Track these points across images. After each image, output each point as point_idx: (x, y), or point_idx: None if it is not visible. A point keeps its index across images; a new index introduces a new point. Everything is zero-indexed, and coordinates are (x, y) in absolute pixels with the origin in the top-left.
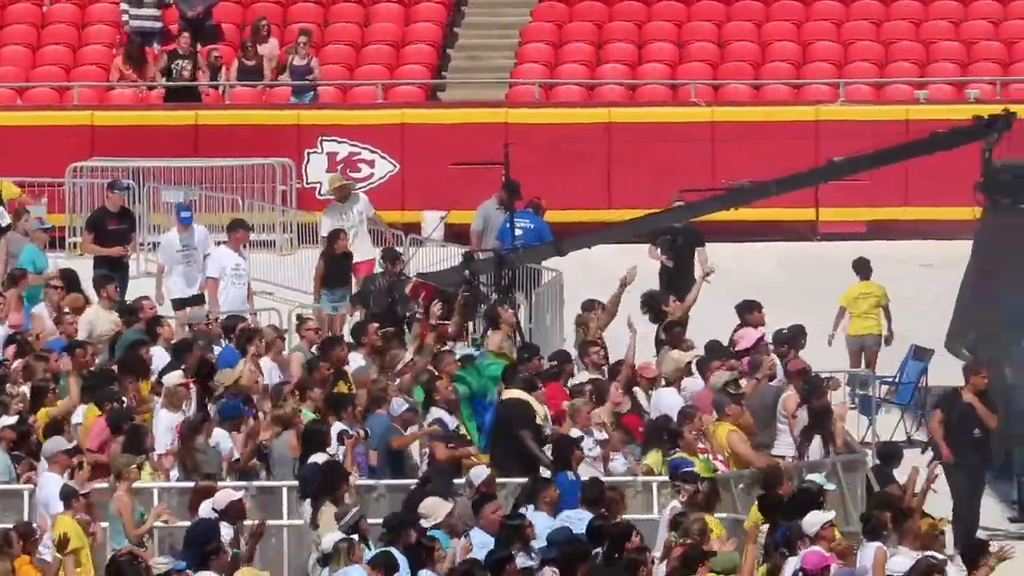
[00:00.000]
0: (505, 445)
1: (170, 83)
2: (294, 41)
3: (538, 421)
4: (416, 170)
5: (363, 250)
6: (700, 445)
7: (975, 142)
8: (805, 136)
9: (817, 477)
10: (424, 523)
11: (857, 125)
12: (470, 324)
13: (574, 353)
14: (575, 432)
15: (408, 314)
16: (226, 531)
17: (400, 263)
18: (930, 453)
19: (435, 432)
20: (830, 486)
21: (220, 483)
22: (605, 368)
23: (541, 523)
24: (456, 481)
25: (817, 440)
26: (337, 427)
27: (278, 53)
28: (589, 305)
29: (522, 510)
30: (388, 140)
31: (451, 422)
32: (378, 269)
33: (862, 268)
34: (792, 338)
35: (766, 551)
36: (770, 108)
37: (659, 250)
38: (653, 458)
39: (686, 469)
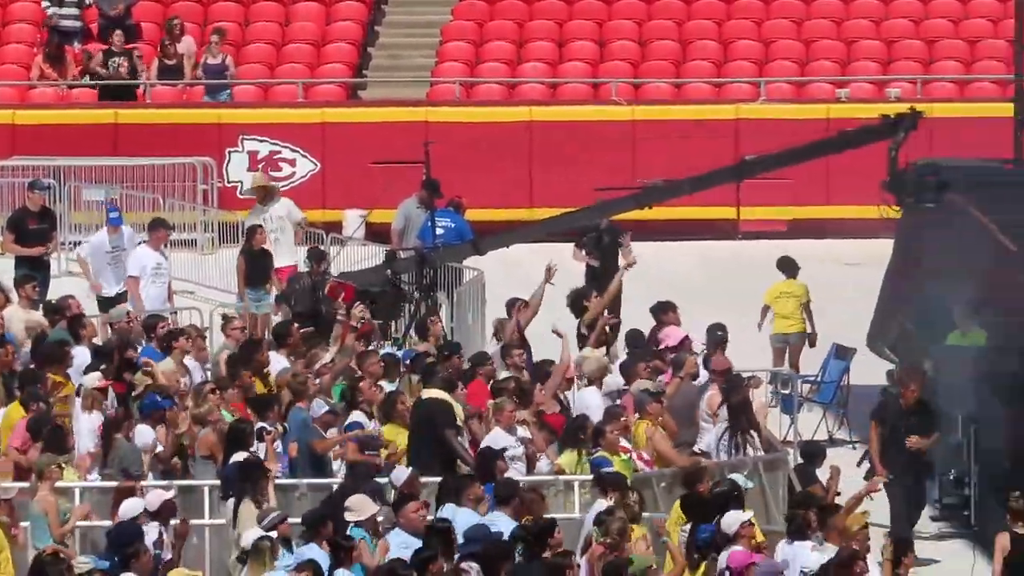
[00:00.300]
0: (426, 445)
1: (91, 83)
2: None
3: (458, 421)
4: (337, 169)
5: (283, 255)
6: (624, 444)
7: (882, 141)
8: (726, 135)
9: (738, 477)
10: (349, 517)
11: (778, 124)
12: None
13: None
14: (497, 432)
15: (331, 314)
16: (155, 531)
17: (326, 263)
18: (857, 455)
19: (355, 437)
20: (749, 484)
21: (142, 483)
22: (525, 371)
23: (464, 520)
24: (380, 481)
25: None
26: (259, 426)
27: (196, 52)
28: (513, 303)
29: (444, 511)
30: (309, 139)
31: (371, 425)
32: (304, 268)
33: (787, 266)
34: (722, 339)
35: (687, 550)
36: (691, 107)
37: (583, 251)
38: (567, 458)
39: (607, 470)
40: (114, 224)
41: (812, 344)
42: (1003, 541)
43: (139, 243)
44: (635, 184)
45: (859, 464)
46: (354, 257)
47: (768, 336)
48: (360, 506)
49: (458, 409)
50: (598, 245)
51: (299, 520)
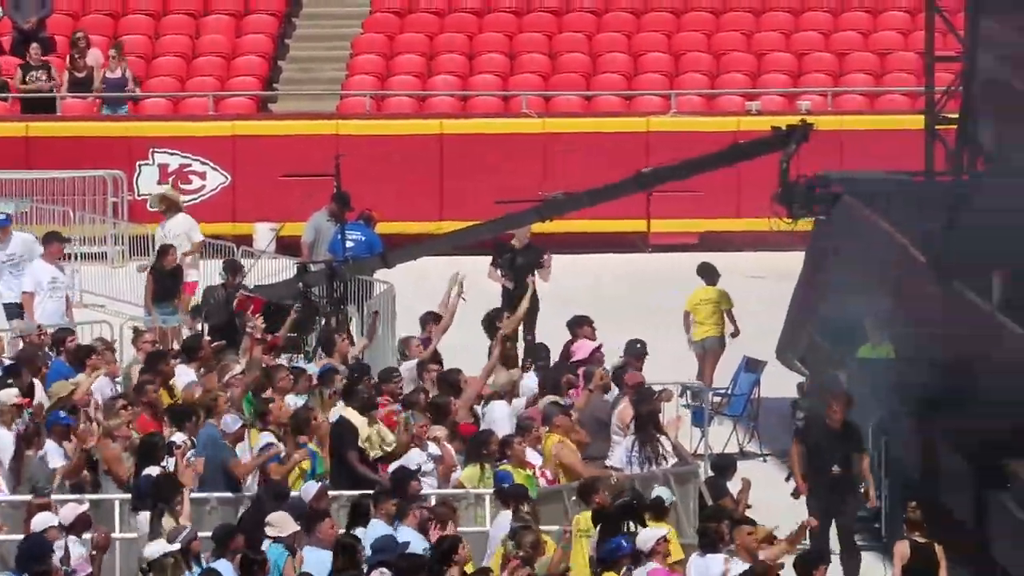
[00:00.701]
0: (337, 461)
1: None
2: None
3: (360, 442)
4: (248, 182)
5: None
6: (530, 460)
7: (774, 153)
8: (636, 147)
9: (663, 491)
10: (270, 532)
11: (688, 136)
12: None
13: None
14: (415, 454)
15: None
16: (72, 547)
17: (241, 275)
18: (768, 468)
19: (272, 455)
20: (673, 497)
21: (54, 496)
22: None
23: (374, 532)
24: (294, 493)
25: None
26: (179, 437)
27: (103, 65)
28: (426, 318)
29: (359, 530)
30: (220, 152)
31: (281, 444)
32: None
33: (706, 273)
34: (642, 352)
35: (592, 561)
36: (601, 119)
37: (499, 271)
38: (468, 472)
39: (510, 483)
40: (2, 225)
41: (735, 336)
42: (902, 549)
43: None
44: (537, 197)
45: (787, 479)
46: (266, 270)
47: (688, 342)
48: (281, 523)
49: (372, 431)
50: (512, 266)
51: (209, 535)
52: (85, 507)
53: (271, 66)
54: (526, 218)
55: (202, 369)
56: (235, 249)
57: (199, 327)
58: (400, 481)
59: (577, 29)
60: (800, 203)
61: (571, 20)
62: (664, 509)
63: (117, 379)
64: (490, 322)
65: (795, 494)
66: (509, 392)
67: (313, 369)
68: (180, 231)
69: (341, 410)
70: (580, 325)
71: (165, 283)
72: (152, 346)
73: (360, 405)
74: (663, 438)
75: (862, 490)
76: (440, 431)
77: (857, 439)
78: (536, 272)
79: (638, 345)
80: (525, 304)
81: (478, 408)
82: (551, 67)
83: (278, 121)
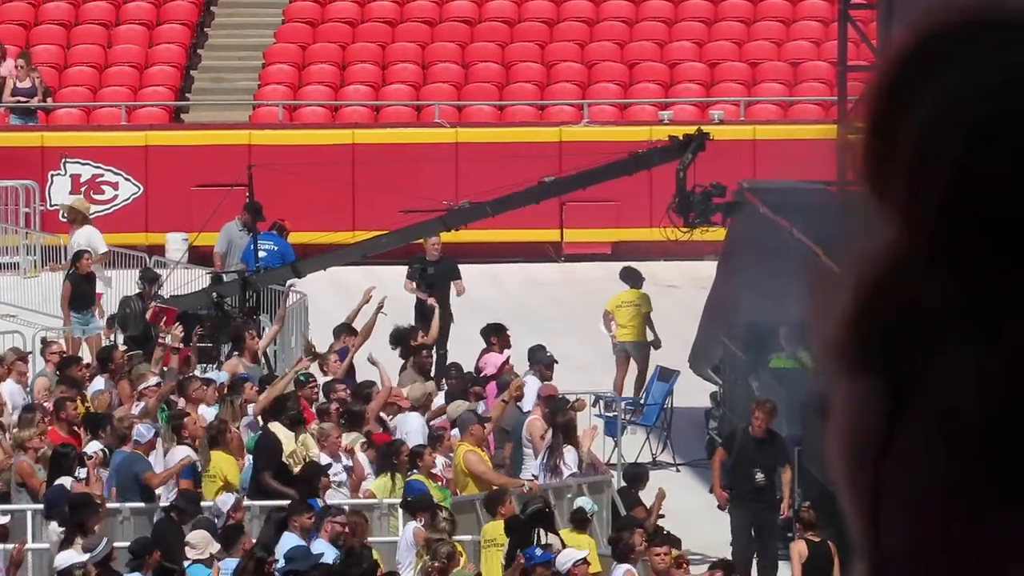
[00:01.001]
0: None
1: None
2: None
3: (285, 457)
4: (160, 192)
5: None
6: (437, 472)
7: (671, 161)
8: (549, 157)
9: (585, 501)
10: (190, 554)
11: (601, 145)
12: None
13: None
14: (324, 458)
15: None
16: None
17: (158, 285)
18: (681, 477)
19: (185, 465)
20: (592, 507)
21: None
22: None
23: (287, 543)
24: (205, 504)
25: (574, 454)
26: (94, 446)
27: (13, 75)
28: (341, 329)
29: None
30: (132, 162)
31: (196, 455)
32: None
33: (629, 276)
34: (551, 361)
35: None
36: (514, 129)
37: (413, 283)
38: (379, 483)
39: (419, 493)
40: None
41: (656, 347)
42: (799, 548)
43: None
44: (441, 206)
45: (711, 491)
46: (179, 280)
47: (612, 344)
48: (201, 543)
49: (298, 445)
50: (425, 277)
51: (124, 545)
52: (7, 519)
53: (183, 76)
54: (432, 228)
55: (116, 379)
56: (147, 259)
57: (113, 337)
58: (309, 478)
59: (489, 39)
60: (697, 212)
61: (483, 30)
62: (586, 520)
63: (28, 389)
64: (398, 337)
65: (721, 506)
66: (423, 404)
67: (223, 377)
68: (83, 242)
69: (271, 424)
70: (495, 334)
71: (82, 288)
72: (60, 358)
73: (290, 421)
74: (569, 448)
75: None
76: (351, 440)
77: (781, 448)
78: (451, 284)
79: (548, 354)
80: (438, 320)
81: (390, 420)
82: (463, 77)
83: (190, 131)
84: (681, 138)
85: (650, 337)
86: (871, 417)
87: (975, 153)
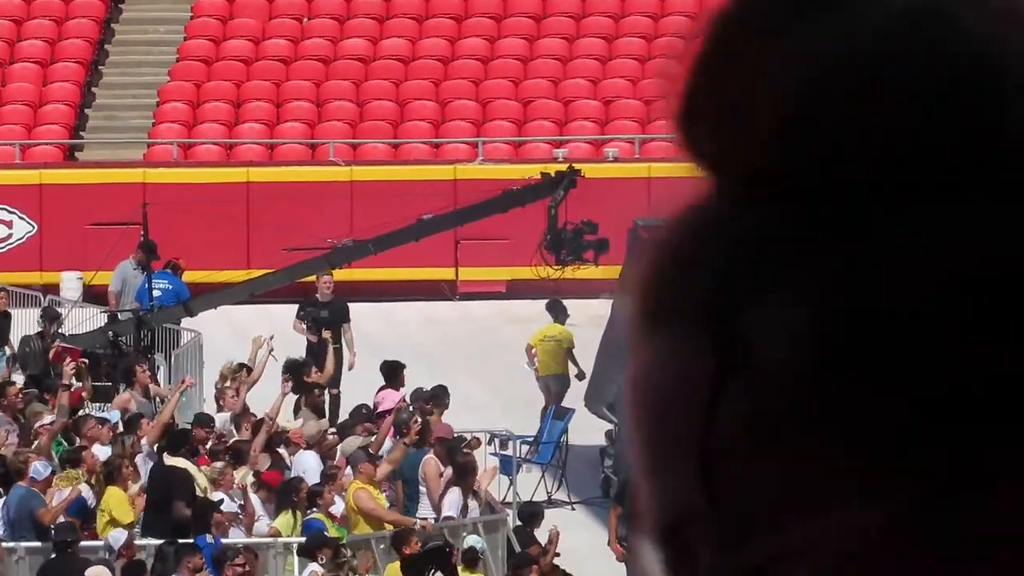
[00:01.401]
0: (158, 510)
1: None
2: None
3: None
4: (55, 231)
5: None
6: (334, 512)
7: (544, 199)
8: (444, 195)
9: (475, 539)
10: None
11: (495, 183)
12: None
13: (216, 420)
14: (217, 495)
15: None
16: None
17: (58, 323)
18: (576, 516)
19: (73, 499)
20: (482, 545)
21: None
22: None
23: None
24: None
25: (458, 495)
26: None
27: None
28: (237, 369)
29: None
30: (26, 201)
31: (91, 493)
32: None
33: (554, 309)
34: (433, 397)
35: None
36: (409, 167)
37: (303, 324)
38: (282, 520)
39: (317, 531)
40: None
41: (580, 379)
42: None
43: None
44: (326, 244)
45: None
46: (75, 320)
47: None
48: None
49: (200, 478)
50: (316, 320)
51: None
52: None
53: (78, 114)
54: (317, 266)
55: (11, 417)
56: (42, 298)
57: (12, 376)
58: (203, 512)
59: (384, 76)
60: (568, 249)
61: (378, 68)
62: (476, 558)
63: None
64: (291, 368)
65: (619, 559)
66: (318, 441)
67: (117, 417)
68: None
69: (170, 459)
70: (392, 372)
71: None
72: None
73: (189, 454)
74: (453, 490)
75: None
76: (242, 476)
77: None
78: (342, 326)
79: (425, 390)
80: (331, 360)
81: (288, 455)
82: (358, 115)
83: (85, 169)
84: (553, 175)
85: (573, 371)
86: (696, 373)
87: (809, 84)
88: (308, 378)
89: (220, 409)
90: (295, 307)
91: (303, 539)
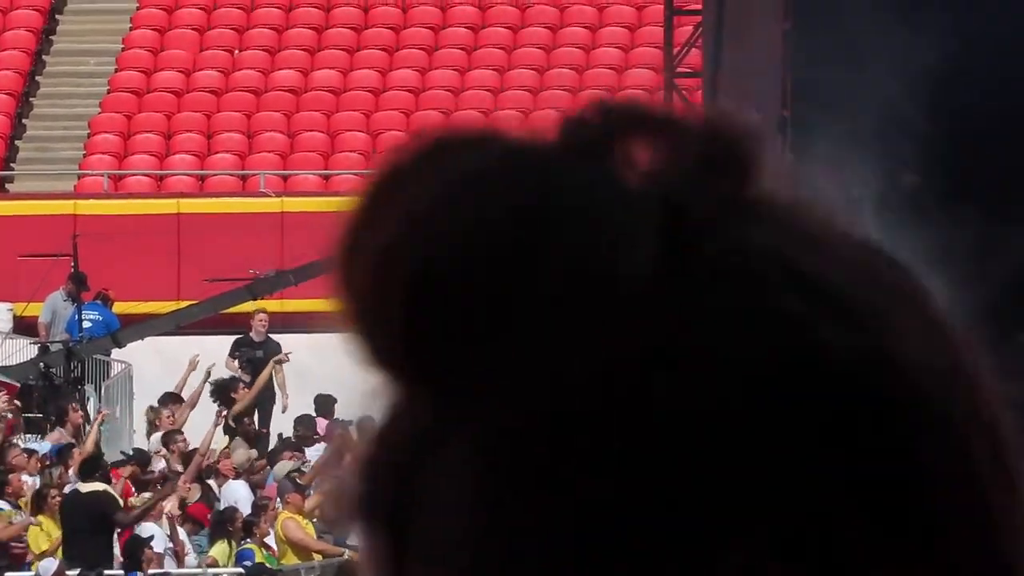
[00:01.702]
0: (82, 536)
1: None
2: None
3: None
4: None
5: None
6: (268, 542)
7: None
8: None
9: None
10: None
11: None
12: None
13: (148, 445)
14: (148, 524)
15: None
16: None
17: None
18: None
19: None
20: None
21: None
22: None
23: None
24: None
25: None
26: None
27: None
28: (166, 399)
29: None
30: None
31: (19, 515)
32: None
33: None
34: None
35: None
36: (339, 199)
37: (236, 363)
38: (218, 549)
39: (250, 561)
40: None
41: None
42: None
43: None
44: (248, 275)
45: None
46: (5, 351)
47: None
48: None
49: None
50: (251, 361)
51: None
52: None
53: (8, 145)
54: (239, 297)
55: None
56: None
57: None
58: (133, 549)
59: (315, 108)
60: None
61: (309, 99)
62: None
63: None
64: (219, 389)
65: None
66: (247, 470)
67: (46, 448)
68: None
69: (87, 486)
70: (326, 404)
71: None
72: None
73: (104, 479)
74: None
75: None
76: (172, 506)
77: None
78: (274, 365)
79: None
80: (262, 380)
81: (216, 486)
82: (289, 146)
83: (15, 201)
84: None
85: None
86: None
87: (427, 249)
88: (235, 394)
89: (155, 428)
90: (226, 337)
91: (239, 570)
